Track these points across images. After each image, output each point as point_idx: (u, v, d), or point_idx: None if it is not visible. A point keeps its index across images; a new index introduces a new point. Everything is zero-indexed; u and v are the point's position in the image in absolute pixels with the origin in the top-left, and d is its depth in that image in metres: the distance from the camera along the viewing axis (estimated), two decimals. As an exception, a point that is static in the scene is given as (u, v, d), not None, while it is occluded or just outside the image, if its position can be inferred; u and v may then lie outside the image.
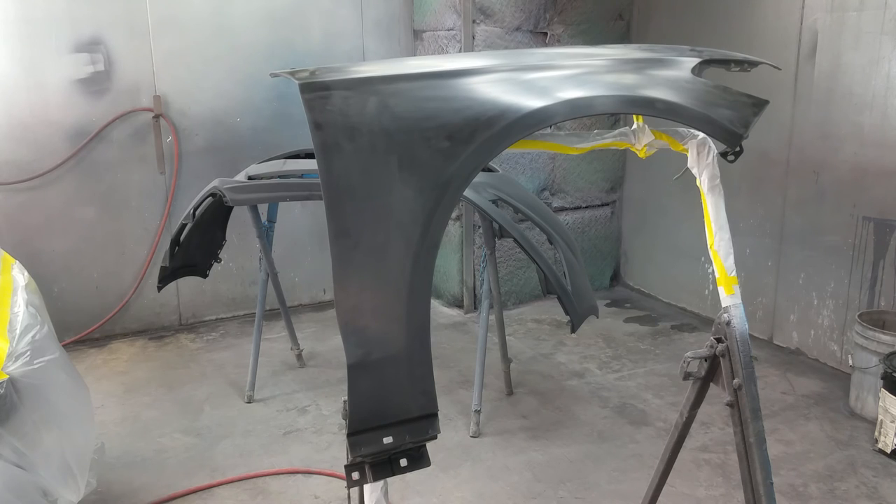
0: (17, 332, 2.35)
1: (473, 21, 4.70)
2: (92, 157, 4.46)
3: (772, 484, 1.82)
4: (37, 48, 4.22)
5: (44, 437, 2.27)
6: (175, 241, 3.69)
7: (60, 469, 2.34)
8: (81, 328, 4.57)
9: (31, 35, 4.19)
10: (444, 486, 3.06)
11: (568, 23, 4.99)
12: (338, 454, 3.28)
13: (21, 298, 2.52)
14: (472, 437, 3.46)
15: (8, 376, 2.17)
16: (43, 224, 4.41)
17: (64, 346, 2.80)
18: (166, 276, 3.81)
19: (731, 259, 1.86)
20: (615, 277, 5.69)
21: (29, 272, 2.82)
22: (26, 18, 4.17)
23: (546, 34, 4.95)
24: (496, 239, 3.57)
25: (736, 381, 1.82)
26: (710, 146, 1.87)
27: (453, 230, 5.05)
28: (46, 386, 2.33)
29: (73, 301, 4.54)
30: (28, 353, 2.29)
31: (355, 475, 1.48)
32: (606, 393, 3.90)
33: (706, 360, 1.91)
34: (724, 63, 1.91)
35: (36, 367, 2.28)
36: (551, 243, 3.35)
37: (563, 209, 5.28)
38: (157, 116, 4.54)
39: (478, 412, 3.49)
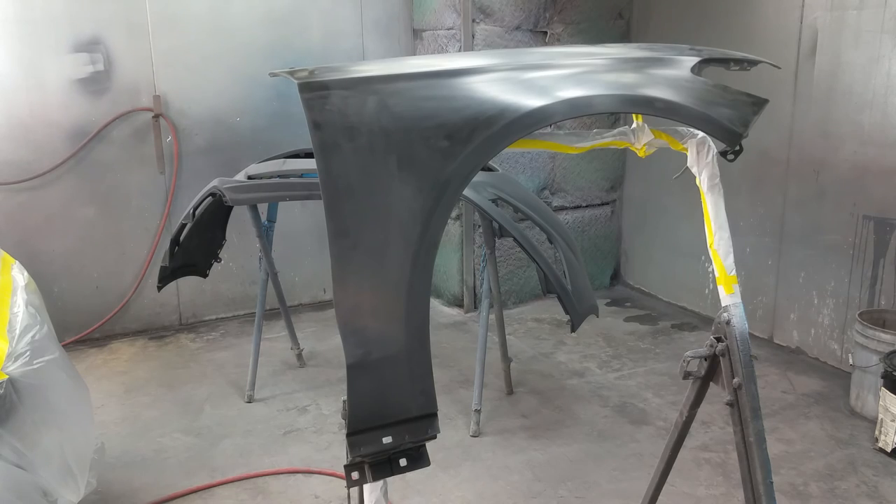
0: (17, 332, 2.34)
1: (473, 20, 4.70)
2: (92, 157, 4.46)
3: (772, 483, 1.82)
4: (37, 48, 4.22)
5: (44, 437, 2.27)
6: (175, 241, 3.69)
7: (60, 469, 2.34)
8: (81, 328, 4.57)
9: (30, 35, 4.19)
10: (445, 486, 3.06)
11: (567, 22, 4.98)
12: (338, 454, 3.28)
13: (21, 298, 2.52)
14: (472, 436, 3.46)
15: (8, 376, 2.17)
16: (43, 224, 4.41)
17: (64, 346, 2.80)
18: (166, 276, 3.81)
19: (731, 258, 1.86)
20: (615, 276, 5.68)
21: (29, 272, 2.82)
22: (26, 18, 4.17)
23: (546, 33, 4.95)
24: (496, 238, 3.57)
25: (736, 380, 1.82)
26: (709, 145, 1.87)
27: (453, 229, 5.05)
28: (46, 386, 2.33)
29: (73, 301, 4.54)
30: (28, 353, 2.29)
31: (355, 475, 1.48)
32: (607, 392, 3.90)
33: (706, 360, 1.91)
34: (724, 62, 1.91)
35: (36, 367, 2.28)
36: (551, 242, 3.35)
37: (563, 208, 5.28)
38: (156, 116, 4.54)
39: (478, 411, 3.49)
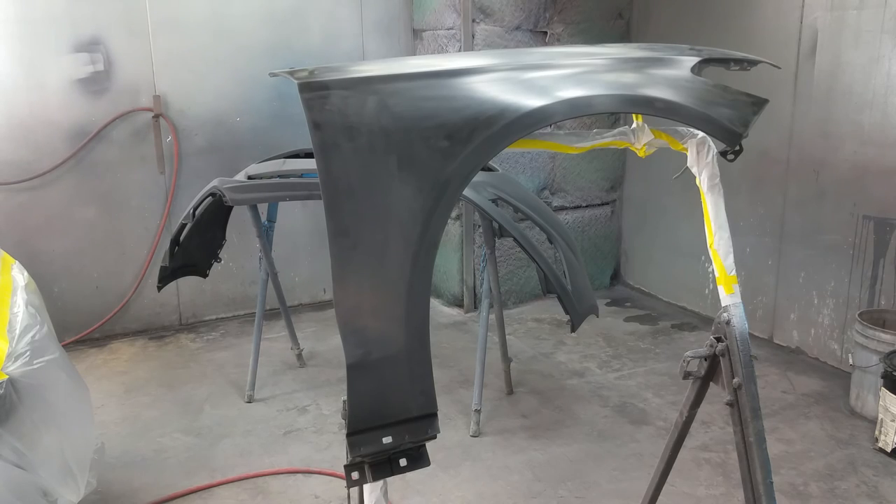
0: (17, 332, 2.35)
1: (473, 20, 4.70)
2: (92, 157, 4.46)
3: (771, 483, 1.82)
4: (37, 48, 4.22)
5: (44, 437, 2.27)
6: (175, 241, 3.69)
7: (60, 469, 2.34)
8: (81, 328, 4.57)
9: (31, 35, 4.19)
10: (445, 486, 3.06)
11: (568, 22, 4.98)
12: (338, 454, 3.28)
13: (21, 298, 2.52)
14: (472, 436, 3.46)
15: (8, 376, 2.17)
16: (43, 224, 4.41)
17: (64, 346, 2.80)
18: (166, 276, 3.81)
19: (731, 258, 1.86)
20: (615, 276, 5.68)
21: (29, 272, 2.82)
22: (26, 18, 4.17)
23: (546, 33, 4.95)
24: (496, 238, 3.57)
25: (736, 380, 1.82)
26: (709, 145, 1.87)
27: (453, 229, 5.05)
28: (46, 386, 2.33)
29: (73, 301, 4.54)
30: (28, 353, 2.29)
31: (355, 475, 1.48)
32: (607, 392, 3.89)
33: (706, 360, 1.91)
34: (724, 62, 1.91)
35: (36, 367, 2.28)
36: (551, 242, 3.35)
37: (563, 208, 5.28)
38: (156, 116, 4.54)
39: (478, 411, 3.49)
